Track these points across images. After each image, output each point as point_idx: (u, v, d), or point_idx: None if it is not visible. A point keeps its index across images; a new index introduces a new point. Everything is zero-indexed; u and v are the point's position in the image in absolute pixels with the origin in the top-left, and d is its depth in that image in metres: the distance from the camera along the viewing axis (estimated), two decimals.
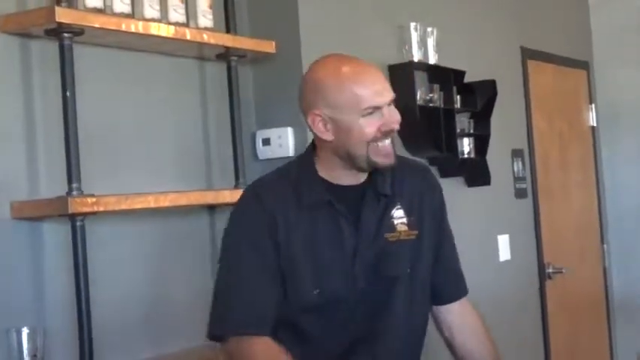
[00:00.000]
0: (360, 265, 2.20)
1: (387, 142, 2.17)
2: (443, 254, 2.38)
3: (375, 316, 2.23)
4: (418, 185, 2.33)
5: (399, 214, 2.25)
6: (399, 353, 2.28)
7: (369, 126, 2.14)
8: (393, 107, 2.18)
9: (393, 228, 2.24)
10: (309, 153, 2.28)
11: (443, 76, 4.19)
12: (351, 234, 2.20)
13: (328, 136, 2.18)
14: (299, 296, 2.20)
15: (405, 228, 2.25)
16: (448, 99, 4.21)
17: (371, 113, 2.14)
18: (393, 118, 2.17)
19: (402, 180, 2.29)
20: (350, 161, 2.20)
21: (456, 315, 2.43)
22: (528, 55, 5.24)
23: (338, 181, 2.24)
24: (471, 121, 4.48)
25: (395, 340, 2.26)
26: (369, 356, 2.23)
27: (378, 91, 2.15)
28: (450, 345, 2.45)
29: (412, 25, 4.05)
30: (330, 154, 2.22)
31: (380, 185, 2.24)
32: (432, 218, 2.33)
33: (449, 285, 2.40)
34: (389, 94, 2.18)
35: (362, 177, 2.25)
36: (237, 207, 2.29)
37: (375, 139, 2.15)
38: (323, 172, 2.24)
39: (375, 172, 2.23)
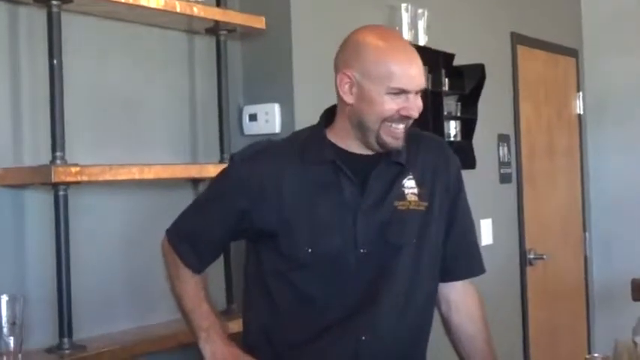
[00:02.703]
0: (362, 229, 2.21)
1: (401, 125, 2.20)
2: (453, 231, 2.38)
3: (376, 282, 2.23)
4: (432, 159, 2.35)
5: (410, 184, 2.27)
6: (399, 322, 2.27)
7: (391, 104, 2.16)
8: (419, 96, 2.20)
9: (403, 196, 2.26)
10: (321, 121, 2.32)
11: (432, 59, 4.18)
12: (353, 196, 2.21)
13: (349, 99, 2.21)
14: (293, 253, 2.23)
15: (415, 198, 2.27)
16: (436, 81, 4.20)
17: (397, 94, 2.16)
18: (415, 105, 2.19)
19: (416, 151, 2.31)
20: (360, 132, 2.22)
21: (457, 294, 2.43)
22: (518, 40, 5.24)
23: (349, 148, 2.26)
24: (459, 104, 4.48)
25: (395, 309, 2.25)
26: (368, 323, 2.23)
27: (412, 76, 2.18)
28: (445, 323, 2.46)
29: (403, 5, 4.04)
30: (345, 120, 2.25)
31: (394, 154, 2.26)
32: (444, 193, 2.34)
33: (454, 263, 2.39)
34: (420, 84, 2.20)
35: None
36: (236, 156, 2.37)
37: (391, 119, 2.18)
38: (334, 138, 2.27)
39: None
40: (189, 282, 2.40)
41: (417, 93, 2.20)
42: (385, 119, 2.17)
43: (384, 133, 2.19)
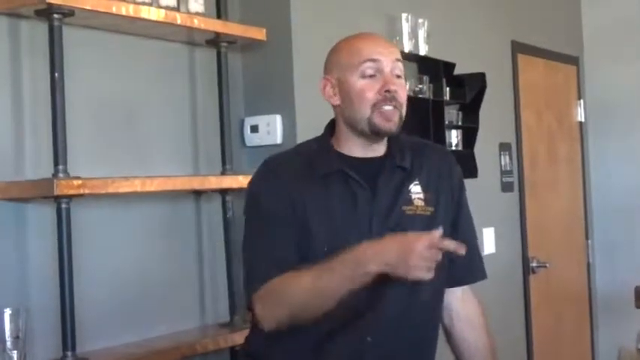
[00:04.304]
0: (377, 233, 2.21)
1: (389, 107, 2.23)
2: (456, 237, 2.34)
3: (381, 284, 2.20)
4: (437, 165, 2.38)
5: (416, 190, 2.30)
6: (404, 323, 2.27)
7: (368, 89, 2.22)
8: (399, 79, 2.26)
9: (410, 201, 2.28)
10: (326, 131, 2.36)
11: (433, 68, 4.19)
12: (366, 202, 2.24)
13: (335, 101, 2.28)
14: (309, 256, 2.21)
15: (421, 203, 2.29)
16: (437, 91, 4.21)
17: (372, 76, 2.22)
18: (392, 81, 2.23)
19: (420, 158, 2.34)
20: (353, 126, 2.27)
21: (457, 301, 2.44)
22: (519, 49, 5.24)
23: (354, 153, 2.30)
24: (460, 113, 4.49)
25: (400, 310, 2.26)
26: (374, 324, 2.23)
27: (378, 49, 2.26)
28: (446, 330, 2.46)
29: (403, 15, 4.05)
30: (341, 123, 2.31)
31: (398, 158, 2.29)
32: (449, 198, 2.37)
33: (456, 268, 2.39)
34: (390, 54, 2.26)
35: (379, 150, 2.31)
36: (252, 181, 2.37)
37: (379, 103, 2.22)
38: (338, 146, 2.32)
39: (392, 145, 2.30)
40: (293, 281, 2.17)
41: (397, 76, 2.24)
42: (373, 106, 2.21)
43: (375, 117, 2.22)
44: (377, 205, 2.24)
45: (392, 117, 2.23)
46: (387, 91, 2.21)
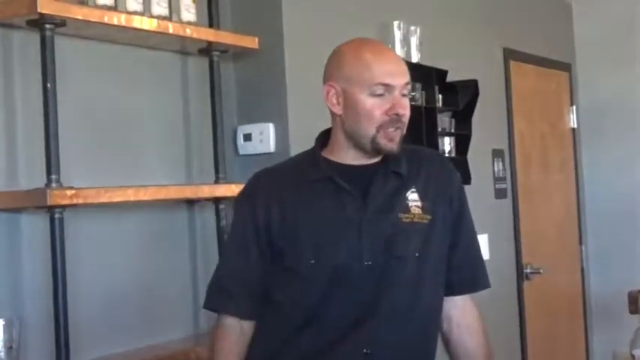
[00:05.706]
0: (367, 241, 2.20)
1: (392, 129, 2.21)
2: (457, 246, 2.37)
3: (378, 295, 2.21)
4: (434, 172, 2.35)
5: (413, 197, 2.27)
6: (402, 335, 2.25)
7: (377, 108, 2.19)
8: (405, 98, 2.23)
9: (407, 209, 2.25)
10: (316, 143, 2.34)
11: (425, 75, 4.20)
12: (355, 209, 2.22)
13: (337, 110, 2.25)
14: (296, 266, 2.22)
15: (418, 211, 2.26)
16: (430, 98, 4.21)
17: (381, 95, 2.19)
18: (401, 103, 2.21)
19: (418, 165, 2.32)
20: (354, 140, 2.25)
21: (457, 309, 2.41)
22: (511, 55, 5.25)
23: (345, 160, 2.28)
24: (453, 120, 4.49)
25: (397, 321, 2.23)
26: (371, 336, 2.21)
27: (391, 71, 2.21)
28: (444, 339, 2.44)
29: (395, 23, 4.06)
30: (339, 132, 2.28)
31: (393, 164, 2.27)
32: (447, 207, 2.34)
33: (458, 277, 2.38)
34: (402, 78, 2.22)
35: (373, 158, 2.28)
36: (238, 195, 2.42)
37: (384, 125, 2.20)
38: (332, 155, 2.30)
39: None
40: (227, 339, 2.33)
41: (403, 95, 2.22)
42: (379, 127, 2.19)
43: (380, 138, 2.20)
44: (368, 212, 2.22)
45: (395, 138, 2.22)
46: (396, 114, 2.20)
